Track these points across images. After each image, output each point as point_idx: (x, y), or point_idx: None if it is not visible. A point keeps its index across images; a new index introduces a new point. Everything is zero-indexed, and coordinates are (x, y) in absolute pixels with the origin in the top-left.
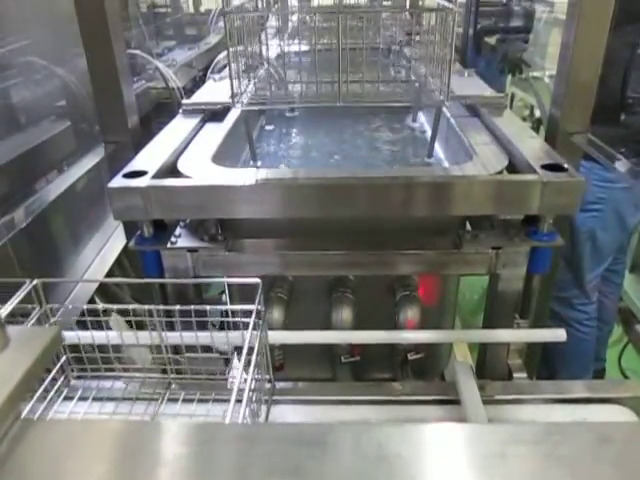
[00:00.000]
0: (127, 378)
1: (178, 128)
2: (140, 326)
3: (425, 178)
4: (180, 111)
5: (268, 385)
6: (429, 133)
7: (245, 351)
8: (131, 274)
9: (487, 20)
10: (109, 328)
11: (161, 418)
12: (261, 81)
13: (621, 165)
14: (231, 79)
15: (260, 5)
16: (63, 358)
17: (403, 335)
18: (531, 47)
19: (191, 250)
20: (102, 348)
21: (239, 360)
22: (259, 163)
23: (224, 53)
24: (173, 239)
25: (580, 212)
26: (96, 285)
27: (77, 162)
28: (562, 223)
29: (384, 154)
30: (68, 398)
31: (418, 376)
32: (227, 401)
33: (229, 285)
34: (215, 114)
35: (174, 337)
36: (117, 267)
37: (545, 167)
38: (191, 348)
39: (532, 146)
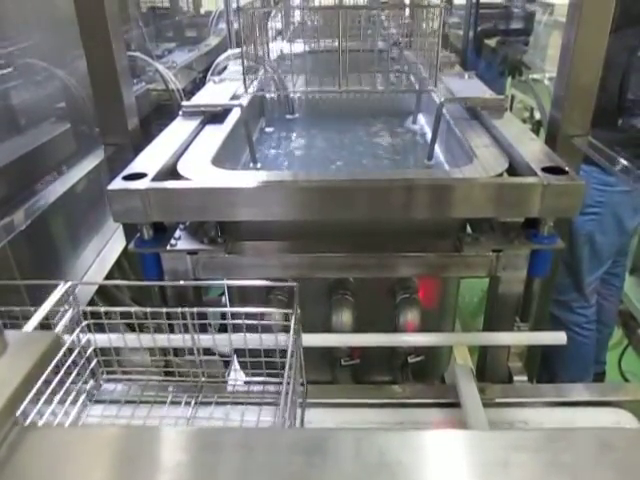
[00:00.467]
0: (157, 381)
1: (178, 130)
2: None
3: (425, 181)
4: (180, 113)
5: (301, 388)
6: (429, 135)
7: (289, 354)
8: (131, 276)
9: (487, 22)
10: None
11: (196, 422)
12: (268, 73)
13: (622, 168)
14: (243, 68)
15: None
16: (94, 361)
17: (403, 338)
18: (531, 49)
19: (191, 252)
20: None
21: (284, 364)
22: (259, 165)
23: (224, 55)
24: (173, 241)
25: (578, 215)
26: (95, 287)
27: (77, 164)
28: (562, 226)
29: (384, 156)
30: (100, 402)
31: (418, 379)
32: (249, 404)
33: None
34: (215, 116)
35: (206, 340)
36: (117, 269)
37: (546, 170)
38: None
39: (532, 148)
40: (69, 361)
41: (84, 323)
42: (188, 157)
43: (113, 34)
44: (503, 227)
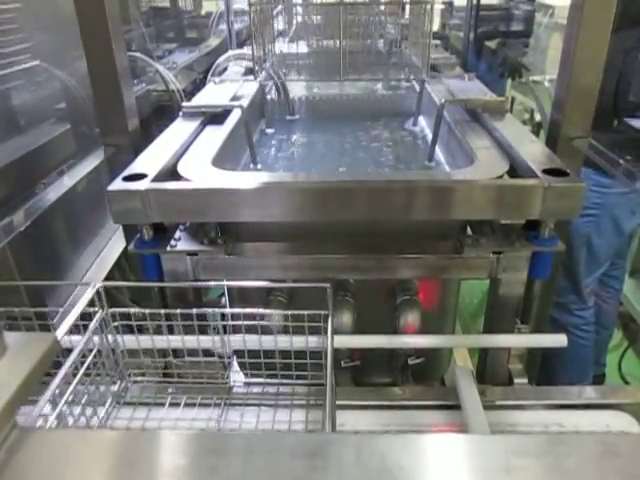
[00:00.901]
0: (183, 384)
1: (178, 131)
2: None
3: (426, 182)
4: (180, 114)
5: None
6: (429, 137)
7: (328, 354)
8: (130, 277)
9: (487, 24)
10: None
11: (223, 425)
12: (273, 65)
13: (622, 170)
14: (253, 58)
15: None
16: (122, 363)
17: (403, 340)
18: (531, 51)
19: (191, 253)
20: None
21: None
22: (259, 166)
23: (225, 56)
24: (173, 242)
25: None
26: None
27: (77, 165)
28: (561, 228)
29: (385, 158)
30: (128, 404)
31: (418, 381)
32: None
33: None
34: (215, 117)
35: (237, 341)
36: (117, 270)
37: (546, 172)
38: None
39: (533, 150)
40: (98, 362)
41: (113, 324)
42: (188, 158)
43: (113, 34)
44: (504, 229)
